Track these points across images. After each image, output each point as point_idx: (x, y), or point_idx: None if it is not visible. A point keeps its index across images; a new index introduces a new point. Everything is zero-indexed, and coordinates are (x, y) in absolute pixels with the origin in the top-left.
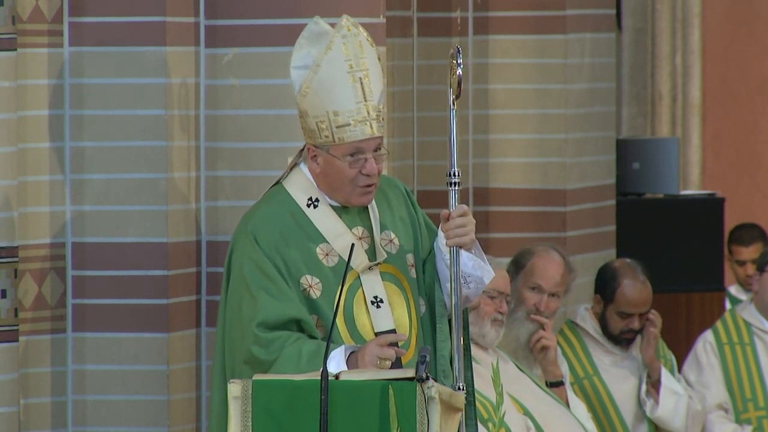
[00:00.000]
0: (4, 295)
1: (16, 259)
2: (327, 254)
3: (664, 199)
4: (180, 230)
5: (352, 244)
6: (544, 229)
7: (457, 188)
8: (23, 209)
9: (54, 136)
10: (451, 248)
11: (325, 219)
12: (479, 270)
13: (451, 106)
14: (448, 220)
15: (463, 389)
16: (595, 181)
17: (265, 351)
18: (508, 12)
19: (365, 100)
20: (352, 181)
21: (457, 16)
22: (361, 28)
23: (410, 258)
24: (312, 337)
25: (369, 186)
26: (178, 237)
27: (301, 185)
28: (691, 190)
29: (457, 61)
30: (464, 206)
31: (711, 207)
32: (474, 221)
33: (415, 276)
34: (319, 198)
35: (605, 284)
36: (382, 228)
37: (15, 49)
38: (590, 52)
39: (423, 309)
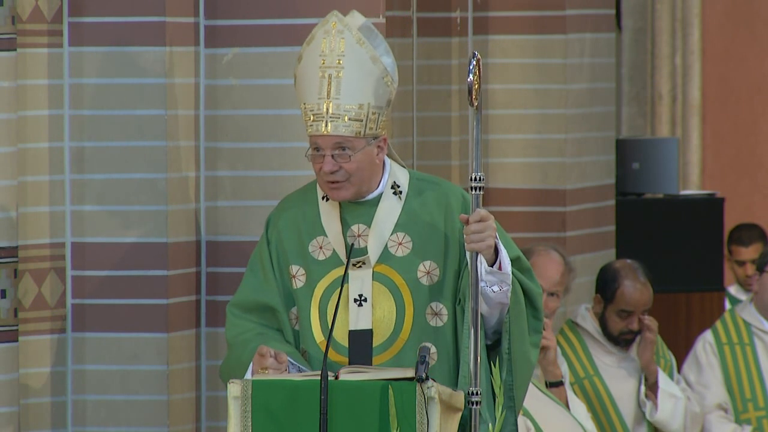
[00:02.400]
0: (4, 295)
1: (16, 259)
2: (321, 247)
3: (664, 199)
4: (180, 230)
5: (351, 244)
6: (544, 229)
7: (479, 193)
8: (23, 209)
9: (54, 136)
10: (471, 253)
11: (328, 213)
12: (494, 275)
13: (473, 111)
14: (467, 224)
15: (477, 394)
16: (595, 181)
17: (228, 333)
18: (508, 12)
19: (327, 98)
20: (318, 174)
21: (457, 16)
22: (351, 28)
23: (427, 265)
24: (278, 329)
25: (332, 182)
26: (178, 237)
27: None
28: (691, 190)
29: (469, 67)
30: (482, 212)
31: (711, 207)
32: (493, 227)
33: (428, 283)
34: None
35: (606, 284)
36: (396, 229)
37: (15, 49)
38: (590, 52)
39: (444, 317)
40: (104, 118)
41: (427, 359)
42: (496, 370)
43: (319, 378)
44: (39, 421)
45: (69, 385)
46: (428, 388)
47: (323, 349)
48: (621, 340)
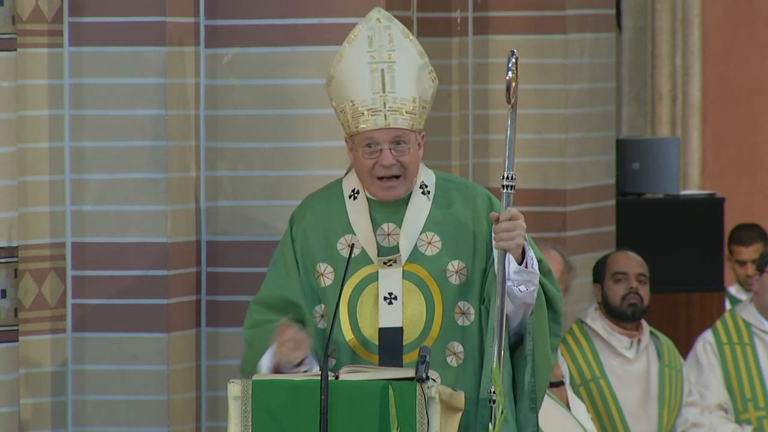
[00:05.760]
0: (4, 295)
1: (16, 259)
2: (349, 245)
3: (664, 199)
4: (180, 230)
5: (352, 245)
6: (544, 229)
7: (510, 191)
8: (23, 209)
9: (54, 136)
10: (500, 252)
11: (357, 211)
12: (522, 274)
13: (509, 109)
14: (497, 222)
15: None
16: (595, 181)
17: (248, 332)
18: (508, 12)
19: (383, 91)
20: (370, 172)
21: (457, 16)
22: (395, 22)
23: (455, 264)
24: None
25: (388, 179)
26: (178, 237)
27: (352, 177)
28: (691, 190)
29: (507, 65)
30: (513, 210)
31: (711, 207)
32: (524, 226)
33: (458, 282)
34: (360, 190)
35: (597, 267)
36: (425, 228)
37: (15, 49)
38: (590, 52)
39: (471, 316)
40: (104, 118)
41: (427, 359)
42: (496, 370)
43: (319, 378)
44: (39, 421)
45: (69, 385)
46: (428, 388)
47: (352, 347)
48: (627, 309)
